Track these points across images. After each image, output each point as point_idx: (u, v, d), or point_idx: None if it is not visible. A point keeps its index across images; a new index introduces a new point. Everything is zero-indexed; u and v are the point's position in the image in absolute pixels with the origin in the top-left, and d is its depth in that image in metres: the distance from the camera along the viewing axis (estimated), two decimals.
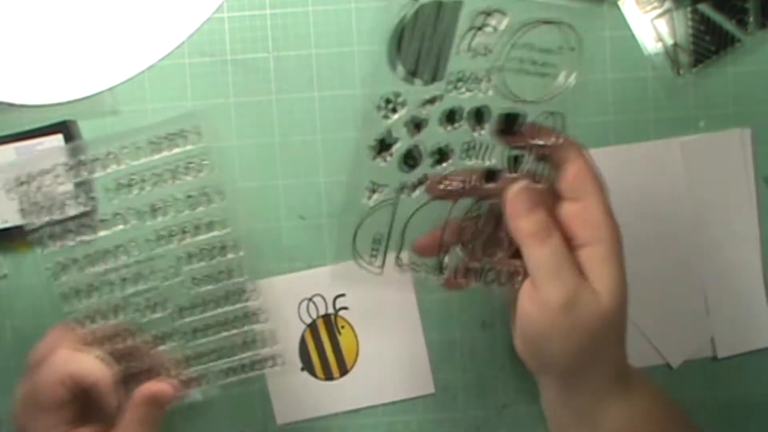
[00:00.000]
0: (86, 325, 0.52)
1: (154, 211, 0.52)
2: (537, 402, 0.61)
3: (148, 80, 0.58)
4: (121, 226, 0.52)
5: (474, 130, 0.48)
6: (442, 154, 0.48)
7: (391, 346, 0.59)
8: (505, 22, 0.46)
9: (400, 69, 0.47)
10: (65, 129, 0.57)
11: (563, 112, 0.47)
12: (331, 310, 0.59)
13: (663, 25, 0.59)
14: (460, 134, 0.48)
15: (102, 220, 0.52)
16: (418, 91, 0.47)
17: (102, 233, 0.51)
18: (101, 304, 0.52)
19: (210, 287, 0.53)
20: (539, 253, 0.46)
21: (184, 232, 0.52)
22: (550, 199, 0.48)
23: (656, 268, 0.60)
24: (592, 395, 0.48)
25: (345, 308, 0.59)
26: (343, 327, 0.59)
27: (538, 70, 0.47)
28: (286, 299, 0.59)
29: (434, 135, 0.48)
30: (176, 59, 0.58)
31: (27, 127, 0.57)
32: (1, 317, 0.60)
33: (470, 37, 0.46)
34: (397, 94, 0.48)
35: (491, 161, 0.48)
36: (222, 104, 0.59)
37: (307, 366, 0.59)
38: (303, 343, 0.59)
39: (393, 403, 0.60)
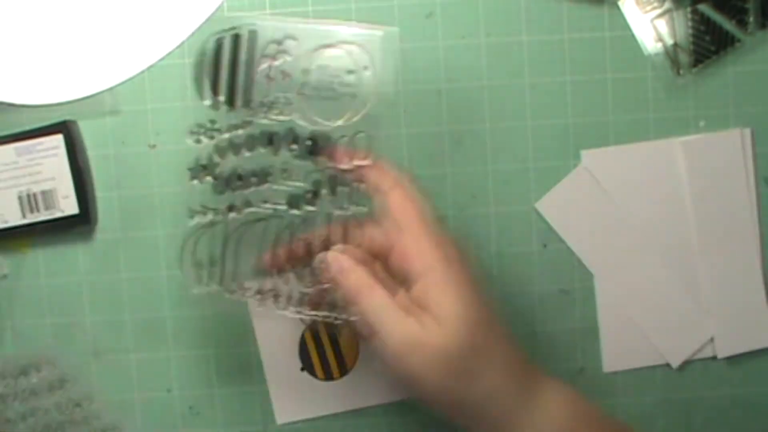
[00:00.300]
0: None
1: None
2: None
3: (148, 80, 0.58)
4: None
5: (290, 152, 0.50)
6: (260, 176, 0.50)
7: None
8: (298, 48, 0.49)
9: (209, 97, 0.50)
10: (65, 129, 0.57)
11: (368, 132, 0.50)
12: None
13: (663, 25, 0.59)
14: (271, 157, 0.50)
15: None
16: (229, 116, 0.50)
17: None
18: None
19: None
20: (361, 312, 0.47)
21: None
22: (377, 235, 0.49)
23: (656, 268, 0.60)
24: (492, 426, 0.46)
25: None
26: (343, 328, 0.59)
27: (338, 92, 0.49)
28: None
29: (251, 158, 0.50)
30: (176, 59, 0.58)
31: (27, 127, 0.57)
32: (1, 317, 0.60)
33: (268, 64, 0.49)
34: (213, 121, 0.51)
35: (305, 184, 0.51)
36: None
37: (307, 366, 0.59)
38: (303, 343, 0.59)
39: (392, 403, 0.60)
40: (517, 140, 0.59)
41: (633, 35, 0.59)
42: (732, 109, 0.60)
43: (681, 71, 0.59)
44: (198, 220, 0.51)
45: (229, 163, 0.51)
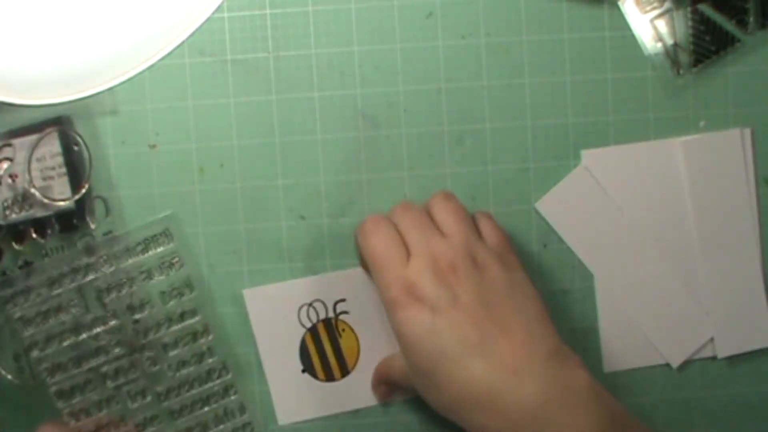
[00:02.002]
0: (80, 418, 0.57)
1: (131, 309, 0.58)
2: None
3: (148, 80, 0.58)
4: (101, 328, 0.57)
5: (46, 238, 0.57)
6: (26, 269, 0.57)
7: (392, 346, 0.58)
8: (14, 151, 0.56)
9: None
10: (59, 124, 0.57)
11: (102, 196, 0.57)
12: (331, 315, 0.59)
13: (663, 25, 0.59)
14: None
15: (91, 320, 0.57)
16: None
17: (86, 334, 0.57)
18: (93, 397, 0.57)
19: (187, 371, 0.58)
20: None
21: (159, 324, 0.58)
22: None
23: (656, 268, 0.60)
24: None
25: (345, 312, 0.59)
26: (343, 330, 0.59)
27: (61, 172, 0.56)
28: (286, 305, 0.59)
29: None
30: (176, 59, 0.58)
31: (18, 125, 0.57)
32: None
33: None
34: None
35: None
36: (222, 104, 0.59)
37: (308, 368, 0.59)
38: (304, 346, 0.59)
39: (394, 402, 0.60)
40: (517, 140, 0.59)
41: (633, 35, 0.59)
42: (732, 109, 0.60)
43: (681, 71, 0.59)
44: None
45: None
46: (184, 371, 0.58)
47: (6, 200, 0.56)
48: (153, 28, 0.58)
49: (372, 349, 0.59)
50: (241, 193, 0.59)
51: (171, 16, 0.58)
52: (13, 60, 0.57)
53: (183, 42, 0.58)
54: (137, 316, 0.57)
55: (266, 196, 0.59)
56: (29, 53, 0.57)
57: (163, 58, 0.58)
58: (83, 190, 0.57)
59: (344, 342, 0.59)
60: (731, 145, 0.60)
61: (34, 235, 0.57)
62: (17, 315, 0.57)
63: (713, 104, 0.60)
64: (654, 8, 0.59)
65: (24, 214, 0.56)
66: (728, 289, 0.60)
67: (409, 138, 0.59)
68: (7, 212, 0.56)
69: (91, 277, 0.57)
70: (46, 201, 0.56)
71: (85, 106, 0.58)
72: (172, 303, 0.58)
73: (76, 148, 0.57)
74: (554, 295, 0.60)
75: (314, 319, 0.59)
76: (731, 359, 0.60)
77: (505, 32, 0.59)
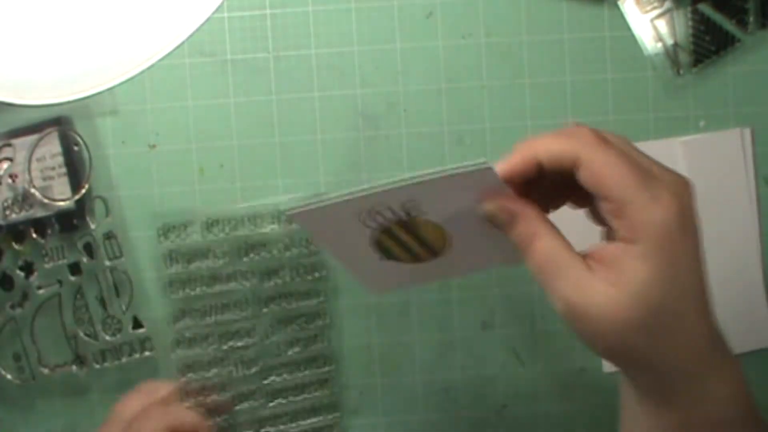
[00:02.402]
0: (187, 375, 0.57)
1: (268, 274, 0.58)
2: (537, 402, 0.61)
3: (148, 80, 0.58)
4: (234, 283, 0.58)
5: (45, 237, 0.57)
6: (26, 269, 0.57)
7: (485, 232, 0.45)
8: (14, 150, 0.56)
9: None
10: (59, 124, 0.57)
11: (103, 196, 0.58)
12: (404, 217, 0.46)
13: (663, 25, 0.59)
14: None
15: (226, 275, 0.58)
16: None
17: (220, 287, 0.58)
18: (204, 355, 0.58)
19: (295, 351, 0.59)
20: (528, 265, 0.43)
21: (281, 297, 0.59)
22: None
23: None
24: (661, 399, 0.43)
25: (422, 212, 0.45)
26: (421, 224, 0.46)
27: (61, 172, 0.56)
28: (346, 221, 0.45)
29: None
30: (176, 59, 0.58)
31: (18, 125, 0.57)
32: None
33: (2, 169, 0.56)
34: None
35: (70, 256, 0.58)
36: (222, 104, 0.59)
37: (390, 257, 0.47)
38: (381, 245, 0.46)
39: (394, 405, 0.60)
40: (517, 140, 0.59)
41: (633, 35, 0.59)
42: (732, 109, 0.60)
43: (681, 71, 0.59)
44: None
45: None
46: (291, 351, 0.59)
47: (6, 200, 0.56)
48: (153, 28, 0.58)
49: (461, 233, 0.47)
50: (241, 193, 0.59)
51: (171, 16, 0.58)
52: (13, 60, 0.57)
53: (183, 42, 0.58)
54: (270, 283, 0.58)
55: (266, 197, 0.59)
56: (29, 54, 0.57)
57: (163, 58, 0.58)
58: (83, 190, 0.57)
59: (425, 231, 0.46)
60: (731, 145, 0.60)
61: (34, 235, 0.57)
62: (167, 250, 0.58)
63: (713, 104, 0.60)
64: (654, 8, 0.59)
65: (24, 214, 0.56)
66: (728, 289, 0.60)
67: (409, 138, 0.59)
68: (7, 212, 0.56)
69: (246, 232, 0.58)
70: (46, 201, 0.56)
71: (85, 106, 0.58)
72: (297, 280, 0.59)
73: (76, 148, 0.57)
74: None
75: (382, 221, 0.46)
76: None
77: (505, 32, 0.59)
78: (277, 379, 0.59)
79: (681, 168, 0.60)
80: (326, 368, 0.59)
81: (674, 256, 0.41)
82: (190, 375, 0.57)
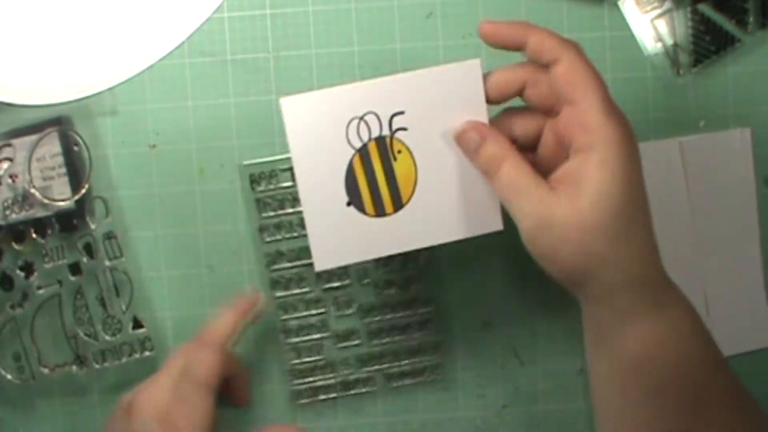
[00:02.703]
0: (280, 315, 0.59)
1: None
2: (537, 402, 0.61)
3: (148, 80, 0.58)
4: None
5: (45, 238, 0.57)
6: (26, 270, 0.57)
7: (456, 174, 0.49)
8: (14, 151, 0.56)
9: None
10: (60, 124, 0.57)
11: (104, 196, 0.58)
12: (386, 131, 0.49)
13: (663, 25, 0.59)
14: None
15: None
16: None
17: None
18: (302, 295, 0.59)
19: (393, 291, 0.60)
20: (494, 187, 0.47)
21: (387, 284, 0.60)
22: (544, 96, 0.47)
23: None
24: (612, 313, 0.46)
25: (403, 129, 0.49)
26: (399, 152, 0.49)
27: (61, 173, 0.57)
28: (333, 117, 0.48)
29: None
30: (176, 59, 0.58)
31: (18, 125, 0.57)
32: None
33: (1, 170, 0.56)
34: None
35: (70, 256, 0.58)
36: (222, 104, 0.59)
37: (355, 200, 0.49)
38: (350, 171, 0.49)
39: (394, 407, 0.60)
40: None
41: (633, 35, 0.59)
42: (732, 109, 0.60)
43: (681, 71, 0.59)
44: None
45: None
46: (390, 291, 0.60)
47: (6, 200, 0.56)
48: (153, 28, 0.58)
49: (431, 178, 0.49)
50: (242, 194, 0.59)
51: (171, 16, 0.58)
52: (13, 60, 0.57)
53: (183, 42, 0.58)
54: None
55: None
56: (30, 54, 0.57)
57: (163, 58, 0.58)
58: (83, 191, 0.57)
59: (399, 167, 0.49)
60: (731, 145, 0.60)
61: (34, 235, 0.57)
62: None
63: (713, 104, 0.60)
64: (654, 8, 0.59)
65: (24, 214, 0.56)
66: (728, 289, 0.60)
67: None
68: (7, 212, 0.56)
69: None
70: (46, 201, 0.56)
71: (85, 106, 0.58)
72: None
73: (76, 148, 0.57)
74: (555, 295, 0.60)
75: (365, 137, 0.49)
76: (731, 359, 0.60)
77: None
78: (375, 319, 0.60)
79: (680, 168, 0.60)
80: (425, 310, 0.60)
81: (628, 164, 0.45)
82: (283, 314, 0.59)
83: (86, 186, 0.57)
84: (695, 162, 0.59)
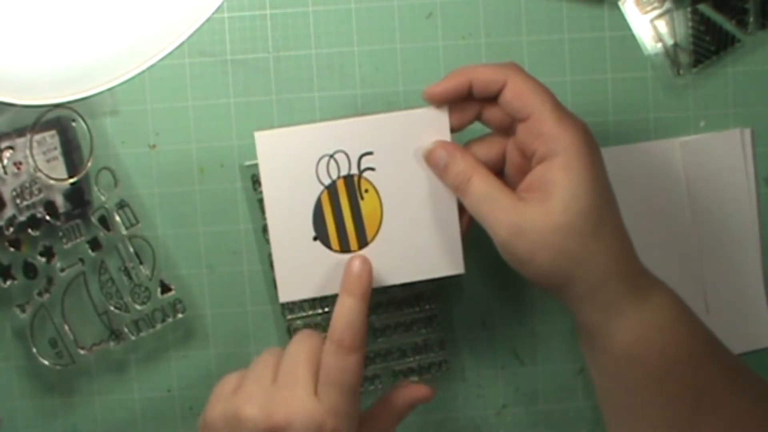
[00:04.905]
0: (285, 315, 0.59)
1: None
2: (537, 402, 0.61)
3: (148, 80, 0.58)
4: None
5: (59, 219, 0.57)
6: (47, 254, 0.57)
7: (420, 216, 0.51)
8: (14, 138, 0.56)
9: None
10: (59, 125, 0.57)
11: (110, 168, 0.58)
12: (354, 170, 0.51)
13: (663, 26, 0.59)
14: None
15: None
16: None
17: None
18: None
19: (397, 289, 0.58)
20: (466, 202, 0.48)
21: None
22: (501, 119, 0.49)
23: (656, 268, 0.60)
24: (596, 310, 0.47)
25: (371, 169, 0.51)
26: (366, 191, 0.51)
27: (63, 150, 0.57)
28: (304, 154, 0.50)
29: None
30: (176, 59, 0.58)
31: (18, 125, 0.57)
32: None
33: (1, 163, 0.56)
34: None
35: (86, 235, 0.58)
36: (222, 104, 0.59)
37: (321, 235, 0.51)
38: (318, 207, 0.51)
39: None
40: None
41: (633, 35, 0.59)
42: (732, 109, 0.60)
43: (681, 71, 0.59)
44: (23, 315, 0.57)
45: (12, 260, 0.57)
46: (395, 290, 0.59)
47: (15, 189, 0.56)
48: (153, 28, 0.58)
49: (396, 218, 0.51)
50: (242, 194, 0.59)
51: (171, 16, 0.58)
52: (13, 60, 0.57)
53: (183, 42, 0.58)
54: None
55: None
56: (30, 53, 0.57)
57: (163, 58, 0.58)
58: (89, 164, 0.57)
59: (366, 205, 0.51)
60: (731, 145, 0.60)
61: (48, 218, 0.56)
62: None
63: (713, 104, 0.60)
64: (654, 8, 0.59)
65: (34, 199, 0.56)
66: (728, 289, 0.60)
67: None
68: (18, 200, 0.56)
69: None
70: (52, 182, 0.56)
71: (85, 106, 0.58)
72: None
73: (73, 123, 0.57)
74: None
75: (334, 175, 0.51)
76: None
77: (505, 32, 0.59)
78: (380, 317, 0.59)
79: (680, 168, 0.60)
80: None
81: (590, 164, 0.46)
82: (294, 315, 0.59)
83: (91, 159, 0.57)
84: (695, 162, 0.59)
